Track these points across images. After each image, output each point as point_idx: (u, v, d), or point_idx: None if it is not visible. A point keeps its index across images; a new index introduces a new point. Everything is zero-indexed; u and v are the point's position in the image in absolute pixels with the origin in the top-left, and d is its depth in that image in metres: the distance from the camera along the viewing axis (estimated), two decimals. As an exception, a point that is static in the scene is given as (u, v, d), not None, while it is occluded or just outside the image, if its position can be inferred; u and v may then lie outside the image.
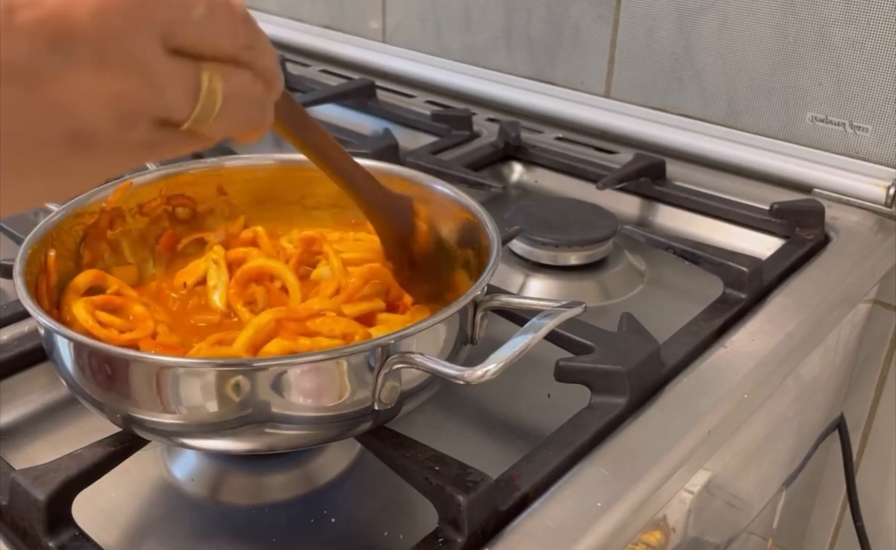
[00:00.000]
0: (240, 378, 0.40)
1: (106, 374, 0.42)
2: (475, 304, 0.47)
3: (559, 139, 0.94)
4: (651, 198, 0.83)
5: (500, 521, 0.43)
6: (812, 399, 0.75)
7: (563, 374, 0.53)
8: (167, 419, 0.41)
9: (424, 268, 0.52)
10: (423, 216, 0.51)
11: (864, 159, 0.80)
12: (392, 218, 0.50)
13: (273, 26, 1.26)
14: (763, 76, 0.83)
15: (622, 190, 0.83)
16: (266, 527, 0.47)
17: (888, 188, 0.78)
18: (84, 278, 0.50)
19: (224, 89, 0.32)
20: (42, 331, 0.46)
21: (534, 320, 0.43)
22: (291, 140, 0.44)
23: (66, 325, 0.44)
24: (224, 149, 0.86)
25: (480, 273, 0.47)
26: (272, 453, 0.49)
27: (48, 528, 0.41)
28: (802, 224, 0.74)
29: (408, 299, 0.52)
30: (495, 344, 0.41)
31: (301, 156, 0.60)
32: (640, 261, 0.74)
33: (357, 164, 0.48)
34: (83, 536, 0.42)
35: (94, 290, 0.50)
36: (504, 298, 0.49)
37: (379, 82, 1.07)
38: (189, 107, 0.31)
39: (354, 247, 0.55)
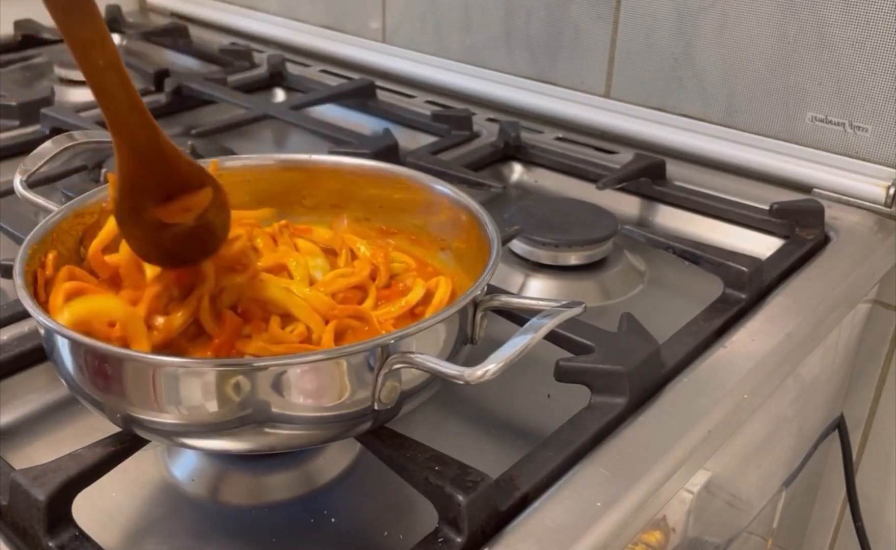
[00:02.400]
0: (240, 378, 0.40)
1: (106, 374, 0.42)
2: (475, 304, 0.47)
3: (559, 139, 0.94)
4: (651, 198, 0.83)
5: (500, 521, 0.43)
6: (812, 399, 0.75)
7: (563, 374, 0.53)
8: (167, 419, 0.41)
9: (153, 225, 0.46)
10: (198, 199, 0.46)
11: (863, 159, 0.80)
12: (141, 162, 0.45)
13: (273, 26, 1.26)
14: (763, 76, 0.83)
15: (622, 190, 0.83)
16: (266, 527, 0.47)
17: (888, 188, 0.78)
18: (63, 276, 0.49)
19: None
20: (42, 331, 0.46)
21: (534, 320, 0.43)
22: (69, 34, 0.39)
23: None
24: (224, 150, 0.86)
25: (480, 272, 0.47)
26: (272, 453, 0.49)
27: (48, 528, 0.41)
28: (802, 224, 0.74)
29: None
30: (495, 344, 0.41)
31: (301, 157, 0.60)
32: (640, 261, 0.74)
33: (131, 94, 0.44)
34: (83, 536, 0.42)
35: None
36: (504, 298, 0.49)
37: (379, 82, 1.07)
38: None
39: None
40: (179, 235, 0.47)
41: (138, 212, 0.46)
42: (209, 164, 0.58)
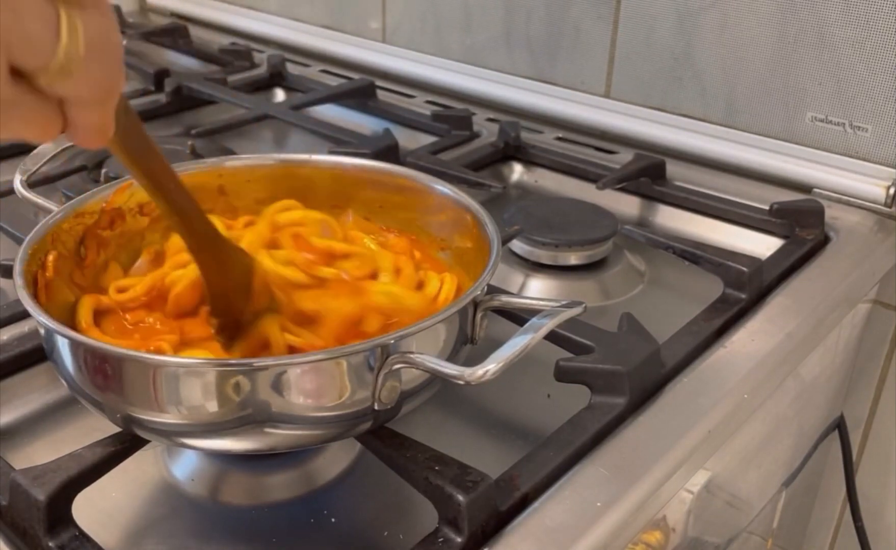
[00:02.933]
0: (240, 378, 0.40)
1: (106, 374, 0.42)
2: (475, 304, 0.47)
3: (559, 139, 0.94)
4: (651, 198, 0.83)
5: (500, 521, 0.43)
6: (812, 399, 0.75)
7: (563, 374, 0.53)
8: (167, 419, 0.41)
9: (243, 320, 0.47)
10: (260, 278, 0.47)
11: (863, 159, 0.80)
12: (225, 270, 0.46)
13: (273, 26, 1.26)
14: (763, 76, 0.83)
15: (622, 190, 0.83)
16: (266, 527, 0.47)
17: (888, 188, 0.78)
18: (86, 305, 0.49)
19: (85, 33, 0.29)
20: (42, 331, 0.46)
21: (534, 320, 0.43)
22: (125, 159, 0.39)
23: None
24: (224, 150, 0.86)
25: (480, 272, 0.47)
26: (272, 453, 0.49)
27: (48, 528, 0.41)
28: (802, 224, 0.74)
29: None
30: (495, 344, 0.41)
31: (301, 157, 0.60)
32: (640, 261, 0.74)
33: (196, 206, 0.44)
34: (83, 536, 0.42)
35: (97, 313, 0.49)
36: (504, 298, 0.49)
37: (379, 82, 1.07)
38: (51, 44, 0.28)
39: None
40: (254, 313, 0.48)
41: (237, 313, 0.47)
42: (209, 167, 0.58)
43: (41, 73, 0.28)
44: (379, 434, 0.46)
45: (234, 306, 0.46)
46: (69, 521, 0.42)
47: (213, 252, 0.45)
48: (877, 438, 0.87)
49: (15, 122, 0.29)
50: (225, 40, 1.28)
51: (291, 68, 1.14)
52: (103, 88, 0.31)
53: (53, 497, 0.41)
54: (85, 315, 0.48)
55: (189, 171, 0.58)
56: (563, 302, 0.45)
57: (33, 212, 0.59)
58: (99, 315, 0.49)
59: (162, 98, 1.01)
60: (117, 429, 0.45)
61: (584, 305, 0.45)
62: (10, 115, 0.29)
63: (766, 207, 0.76)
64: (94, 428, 0.48)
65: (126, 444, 0.45)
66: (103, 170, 0.77)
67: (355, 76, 1.12)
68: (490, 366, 0.39)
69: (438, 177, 0.59)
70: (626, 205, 0.83)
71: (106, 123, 0.33)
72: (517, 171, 0.91)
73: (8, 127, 0.29)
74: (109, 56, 0.30)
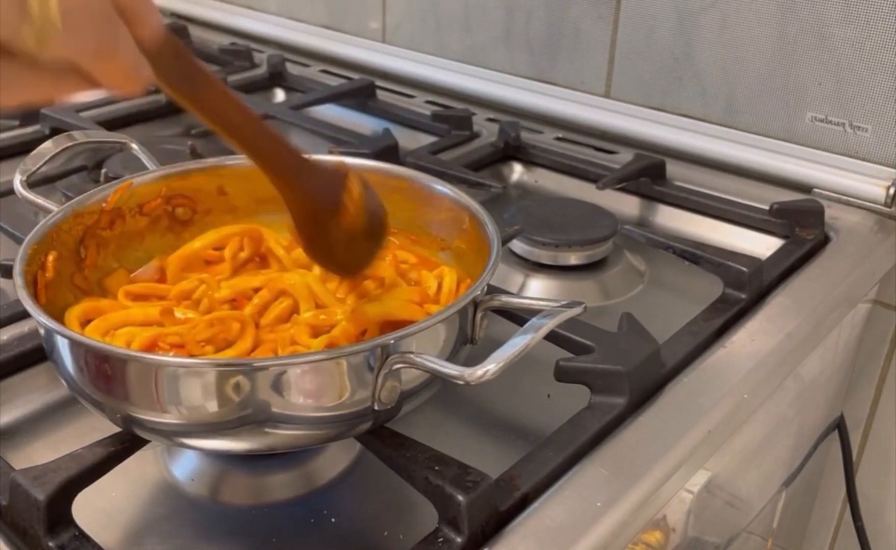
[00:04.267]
0: (240, 378, 0.40)
1: (106, 374, 0.42)
2: (475, 304, 0.47)
3: (559, 139, 0.94)
4: (651, 198, 0.83)
5: (500, 521, 0.43)
6: (812, 399, 0.75)
7: (563, 374, 0.53)
8: (167, 419, 0.41)
9: (342, 242, 0.47)
10: (355, 193, 0.47)
11: (863, 159, 0.80)
12: (309, 195, 0.46)
13: (273, 26, 1.26)
14: (763, 76, 0.83)
15: (622, 190, 0.83)
16: (266, 527, 0.47)
17: (888, 188, 0.78)
18: (79, 310, 0.49)
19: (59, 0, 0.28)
20: (42, 331, 0.46)
21: (534, 320, 0.43)
22: (180, 97, 0.39)
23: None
24: (224, 150, 0.86)
25: (480, 272, 0.47)
26: (272, 453, 0.49)
27: (48, 528, 0.41)
28: (802, 224, 0.74)
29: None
30: (495, 344, 0.41)
31: (301, 157, 0.60)
32: (640, 261, 0.74)
33: (270, 131, 0.44)
34: (83, 536, 0.42)
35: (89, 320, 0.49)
36: (504, 298, 0.49)
37: (379, 82, 1.07)
38: (17, 17, 0.28)
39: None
40: (361, 232, 0.48)
41: (323, 236, 0.47)
42: (209, 167, 0.58)
43: (20, 44, 0.28)
44: (379, 434, 0.46)
45: (322, 223, 0.46)
46: (69, 521, 0.42)
47: (293, 180, 0.45)
48: (877, 438, 0.87)
49: (21, 91, 0.30)
50: (225, 40, 1.28)
51: (291, 68, 1.14)
52: (95, 46, 0.31)
53: (53, 497, 0.41)
54: (74, 325, 0.48)
55: (189, 171, 0.58)
56: (563, 303, 0.45)
57: (33, 212, 0.59)
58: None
59: (162, 98, 1.01)
60: (117, 429, 0.45)
61: (584, 305, 0.45)
62: (10, 87, 0.29)
63: (766, 207, 0.76)
64: (94, 428, 0.48)
65: (126, 444, 0.45)
66: (103, 170, 0.77)
67: (355, 76, 1.12)
68: (490, 366, 0.39)
69: (438, 177, 0.59)
70: (626, 205, 0.83)
71: (127, 73, 0.33)
72: (517, 171, 0.91)
73: (14, 96, 0.29)
74: (93, 15, 0.30)
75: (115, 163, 0.78)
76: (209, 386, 0.40)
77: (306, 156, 0.46)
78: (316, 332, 0.47)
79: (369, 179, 0.59)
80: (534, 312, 0.44)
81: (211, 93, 0.40)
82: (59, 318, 0.47)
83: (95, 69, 0.32)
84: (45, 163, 0.60)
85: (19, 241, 0.49)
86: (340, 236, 0.47)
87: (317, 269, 0.52)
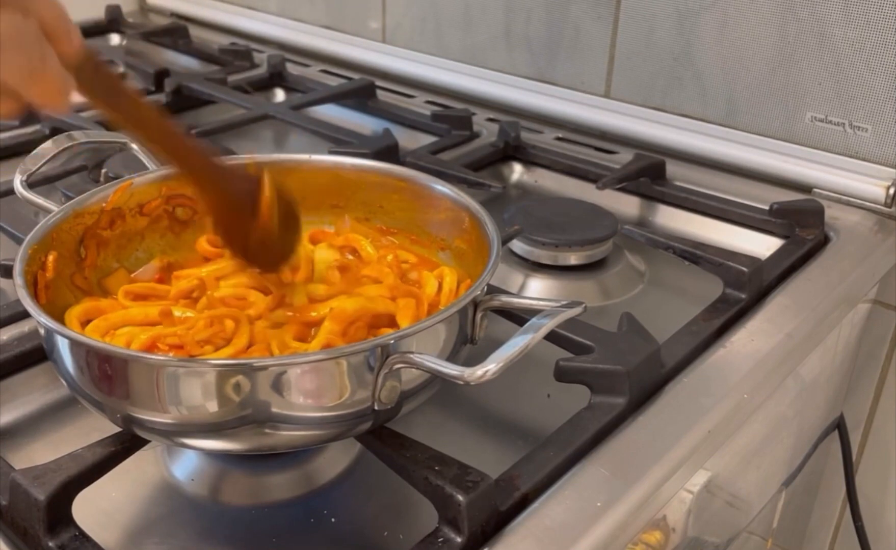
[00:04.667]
0: (240, 378, 0.40)
1: (106, 374, 0.42)
2: (475, 304, 0.47)
3: (559, 139, 0.94)
4: (651, 198, 0.83)
5: (500, 521, 0.43)
6: (812, 399, 0.75)
7: (563, 374, 0.53)
8: (167, 419, 0.41)
9: (259, 238, 0.50)
10: (268, 193, 0.49)
11: (863, 159, 0.80)
12: (226, 196, 0.48)
13: (273, 26, 1.26)
14: (763, 76, 0.83)
15: (622, 190, 0.83)
16: (266, 527, 0.47)
17: (888, 188, 0.78)
18: (79, 310, 0.50)
19: None
20: (42, 331, 0.46)
21: (534, 320, 0.43)
22: (101, 106, 0.43)
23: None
24: (224, 150, 0.86)
25: (480, 272, 0.47)
26: (272, 453, 0.49)
27: (48, 528, 0.41)
28: (802, 224, 0.74)
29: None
30: (495, 344, 0.41)
31: (301, 157, 0.60)
32: (640, 261, 0.74)
33: (184, 137, 0.47)
34: (83, 536, 0.42)
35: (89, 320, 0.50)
36: (504, 298, 0.49)
37: (379, 82, 1.07)
38: None
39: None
40: (277, 228, 0.50)
41: (242, 234, 0.49)
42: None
43: None
44: (379, 434, 0.46)
45: (238, 226, 0.49)
46: (69, 521, 0.42)
47: (208, 181, 0.48)
48: (877, 438, 0.87)
49: None
50: (225, 40, 1.28)
51: (291, 68, 1.14)
52: (28, 68, 0.35)
53: (53, 497, 0.41)
54: (74, 325, 0.48)
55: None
56: (563, 303, 0.45)
57: (33, 212, 0.59)
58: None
59: (162, 98, 1.01)
60: (117, 429, 0.45)
61: (584, 305, 0.45)
62: None
63: (766, 207, 0.76)
64: (94, 428, 0.48)
65: (126, 444, 0.45)
66: (103, 171, 0.77)
67: (355, 76, 1.12)
68: (490, 366, 0.39)
69: (438, 177, 0.59)
70: (626, 205, 0.83)
71: (56, 89, 0.36)
72: (517, 171, 0.91)
73: None
74: (24, 40, 0.34)
75: (116, 163, 0.78)
76: (209, 387, 0.40)
77: (221, 160, 0.49)
78: (301, 332, 0.48)
79: (369, 179, 0.59)
80: (534, 312, 0.44)
81: (128, 103, 0.44)
82: (59, 318, 0.47)
83: (28, 89, 0.35)
84: (45, 163, 0.60)
85: (19, 241, 0.49)
86: (258, 233, 0.49)
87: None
